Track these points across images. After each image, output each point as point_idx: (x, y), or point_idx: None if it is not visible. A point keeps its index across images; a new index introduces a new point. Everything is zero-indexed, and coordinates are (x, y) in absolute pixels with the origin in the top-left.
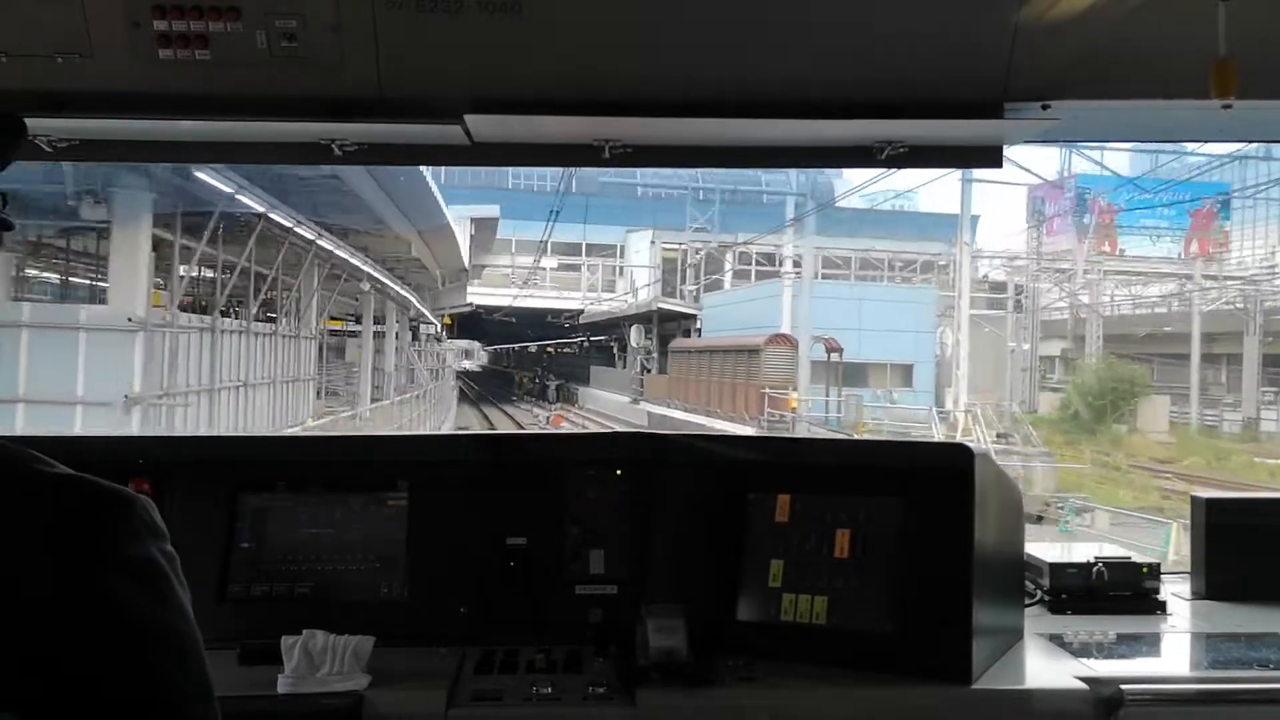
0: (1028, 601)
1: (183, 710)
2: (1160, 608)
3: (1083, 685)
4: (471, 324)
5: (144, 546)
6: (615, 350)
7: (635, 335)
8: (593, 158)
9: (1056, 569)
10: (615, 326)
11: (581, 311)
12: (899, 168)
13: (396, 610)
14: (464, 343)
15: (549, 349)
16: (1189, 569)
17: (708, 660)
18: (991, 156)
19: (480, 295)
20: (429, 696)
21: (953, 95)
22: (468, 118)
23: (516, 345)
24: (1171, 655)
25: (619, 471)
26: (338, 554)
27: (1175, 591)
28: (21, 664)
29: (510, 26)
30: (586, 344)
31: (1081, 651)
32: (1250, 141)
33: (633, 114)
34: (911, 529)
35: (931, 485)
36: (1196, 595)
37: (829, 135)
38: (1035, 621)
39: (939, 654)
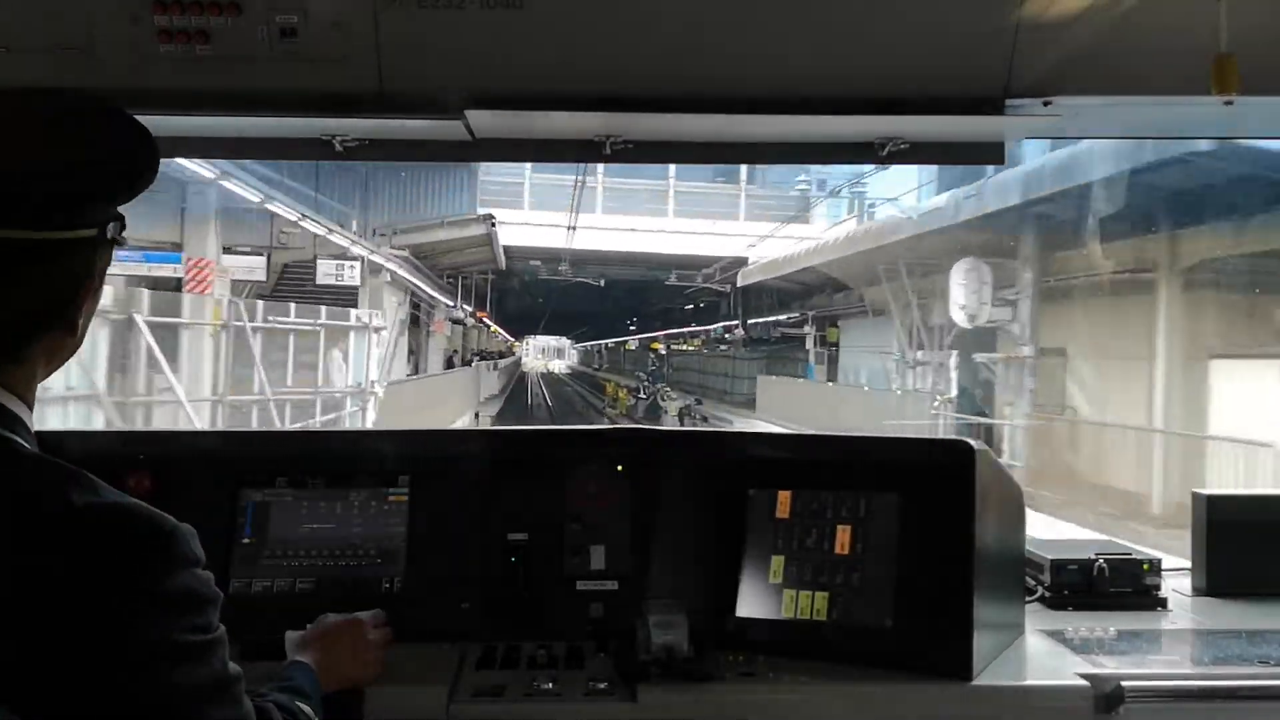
0: (1028, 597)
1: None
2: (1161, 604)
3: (1083, 681)
4: (507, 289)
5: (182, 578)
6: (810, 342)
7: (964, 294)
8: (594, 153)
9: (1057, 565)
10: (821, 289)
11: (742, 262)
12: (900, 164)
13: (398, 605)
14: (553, 340)
15: (656, 344)
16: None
17: (708, 656)
18: (993, 153)
19: (517, 225)
20: (430, 692)
21: (954, 92)
22: (469, 113)
23: (611, 341)
24: (1172, 651)
25: (620, 468)
26: (339, 549)
27: (1176, 587)
28: (53, 696)
29: (511, 22)
30: (735, 333)
31: (1082, 648)
32: (1252, 138)
33: (634, 110)
34: (912, 525)
35: (933, 481)
36: (1198, 591)
37: (830, 131)
38: (1035, 617)
39: (939, 650)
